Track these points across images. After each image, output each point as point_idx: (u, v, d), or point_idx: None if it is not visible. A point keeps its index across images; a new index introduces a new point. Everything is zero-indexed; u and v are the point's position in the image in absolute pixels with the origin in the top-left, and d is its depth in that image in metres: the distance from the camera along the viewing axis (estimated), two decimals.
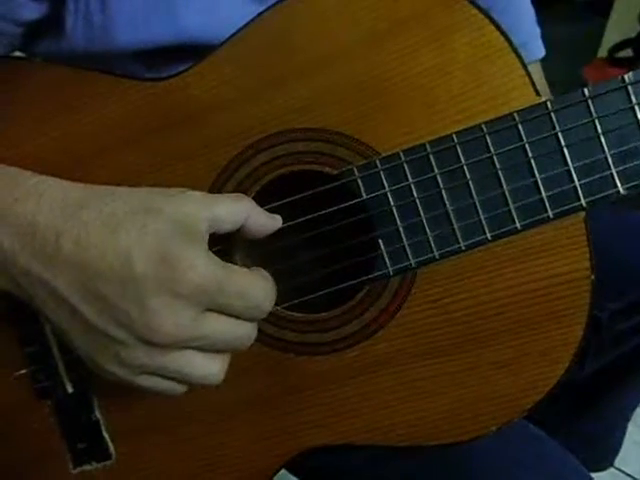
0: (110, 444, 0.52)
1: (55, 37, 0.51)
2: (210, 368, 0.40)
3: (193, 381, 0.40)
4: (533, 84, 0.45)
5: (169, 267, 0.37)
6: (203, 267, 0.37)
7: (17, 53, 0.54)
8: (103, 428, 0.52)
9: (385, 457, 0.55)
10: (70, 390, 0.51)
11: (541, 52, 0.64)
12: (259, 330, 0.47)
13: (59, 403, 0.52)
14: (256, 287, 0.40)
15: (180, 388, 0.41)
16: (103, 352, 0.39)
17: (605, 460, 0.80)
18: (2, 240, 0.39)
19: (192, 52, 0.51)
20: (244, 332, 0.40)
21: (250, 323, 0.41)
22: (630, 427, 0.78)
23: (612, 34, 1.60)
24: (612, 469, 0.81)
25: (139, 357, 0.38)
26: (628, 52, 1.55)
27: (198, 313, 0.38)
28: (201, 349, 0.39)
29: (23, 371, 0.51)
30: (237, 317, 0.40)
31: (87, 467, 0.53)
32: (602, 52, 1.63)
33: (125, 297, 0.37)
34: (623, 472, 0.90)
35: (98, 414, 0.52)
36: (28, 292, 0.40)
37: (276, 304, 0.44)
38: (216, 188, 0.48)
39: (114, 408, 0.52)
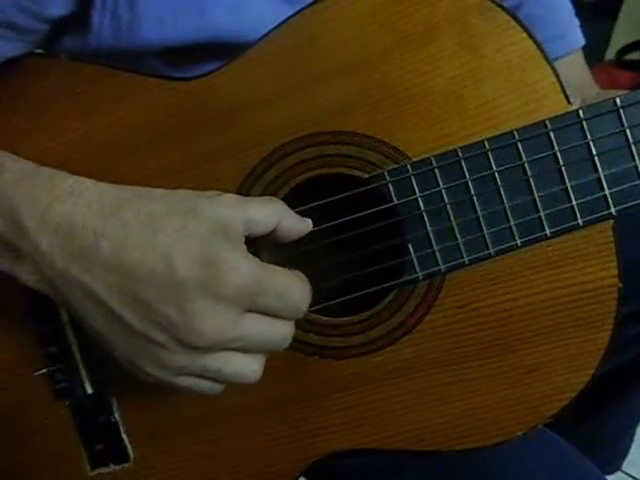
0: (129, 446, 0.52)
1: (80, 34, 0.50)
2: (250, 367, 0.40)
3: (232, 380, 0.40)
4: (564, 91, 0.45)
5: (211, 269, 0.36)
6: (245, 268, 0.37)
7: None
8: (122, 430, 0.51)
9: (403, 462, 0.55)
10: (90, 391, 0.51)
11: (581, 41, 0.63)
12: None
13: (78, 404, 0.51)
14: (295, 287, 0.40)
15: (218, 387, 0.41)
16: (143, 355, 0.39)
17: (613, 464, 0.81)
18: (40, 241, 0.38)
19: (217, 51, 0.50)
20: (282, 332, 0.41)
21: (288, 322, 0.41)
22: (638, 431, 0.78)
23: (620, 36, 1.60)
24: (620, 473, 0.82)
25: (180, 360, 0.38)
26: (636, 55, 1.55)
27: (239, 315, 0.38)
28: (240, 349, 0.39)
29: (43, 371, 0.51)
30: (274, 317, 0.40)
31: (104, 469, 0.52)
32: (610, 54, 1.64)
33: (166, 300, 0.37)
34: (631, 476, 0.91)
35: (117, 416, 0.51)
36: (65, 295, 0.39)
37: None
38: (244, 189, 0.48)
39: (134, 410, 0.51)
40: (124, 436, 0.51)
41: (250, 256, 0.39)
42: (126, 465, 0.52)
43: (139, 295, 0.37)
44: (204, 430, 0.51)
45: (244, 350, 0.39)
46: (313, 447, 0.50)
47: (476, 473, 0.53)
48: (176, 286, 0.36)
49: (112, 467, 0.52)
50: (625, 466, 0.79)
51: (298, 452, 0.50)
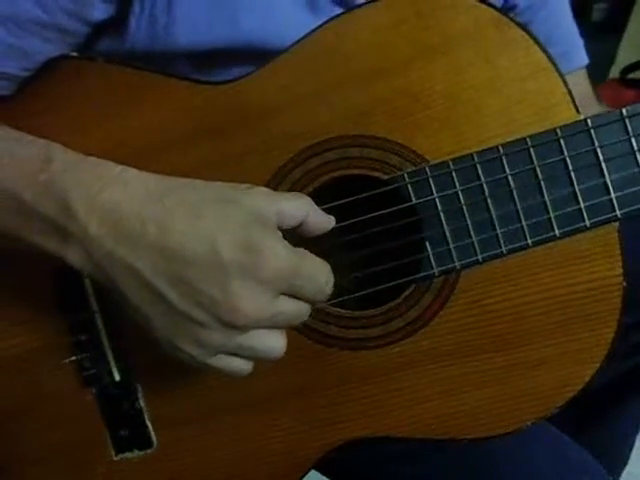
0: (152, 432, 0.54)
1: (117, 37, 0.53)
2: (278, 342, 0.43)
3: (262, 357, 0.43)
4: (574, 102, 0.48)
5: (253, 253, 0.39)
6: (284, 253, 0.40)
7: None
8: (146, 416, 0.53)
9: (408, 457, 0.57)
10: (117, 378, 0.53)
11: (584, 60, 0.66)
12: (304, 324, 0.50)
13: (104, 391, 0.53)
14: (322, 271, 0.43)
15: (248, 368, 0.44)
16: (182, 334, 0.41)
17: (611, 472, 0.82)
18: (89, 224, 0.41)
19: (243, 56, 0.53)
20: (305, 310, 0.44)
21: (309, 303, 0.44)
22: (638, 441, 0.80)
23: (625, 55, 1.63)
24: None
25: (218, 338, 0.41)
26: None
27: (275, 296, 0.41)
28: (269, 327, 0.42)
29: (72, 358, 0.53)
30: (300, 298, 0.43)
31: (128, 454, 0.54)
32: (614, 72, 1.66)
33: (209, 281, 0.39)
34: None
35: (142, 402, 0.53)
36: (110, 275, 0.42)
37: None
38: (270, 188, 0.50)
39: (158, 397, 0.53)
40: (148, 422, 0.53)
41: (286, 242, 0.41)
42: (149, 451, 0.54)
43: (183, 276, 0.40)
44: (226, 418, 0.53)
45: (272, 327, 0.42)
46: (330, 435, 0.52)
47: (485, 465, 0.55)
48: (219, 268, 0.39)
49: (136, 452, 0.54)
50: (625, 476, 0.81)
51: (315, 439, 0.52)
